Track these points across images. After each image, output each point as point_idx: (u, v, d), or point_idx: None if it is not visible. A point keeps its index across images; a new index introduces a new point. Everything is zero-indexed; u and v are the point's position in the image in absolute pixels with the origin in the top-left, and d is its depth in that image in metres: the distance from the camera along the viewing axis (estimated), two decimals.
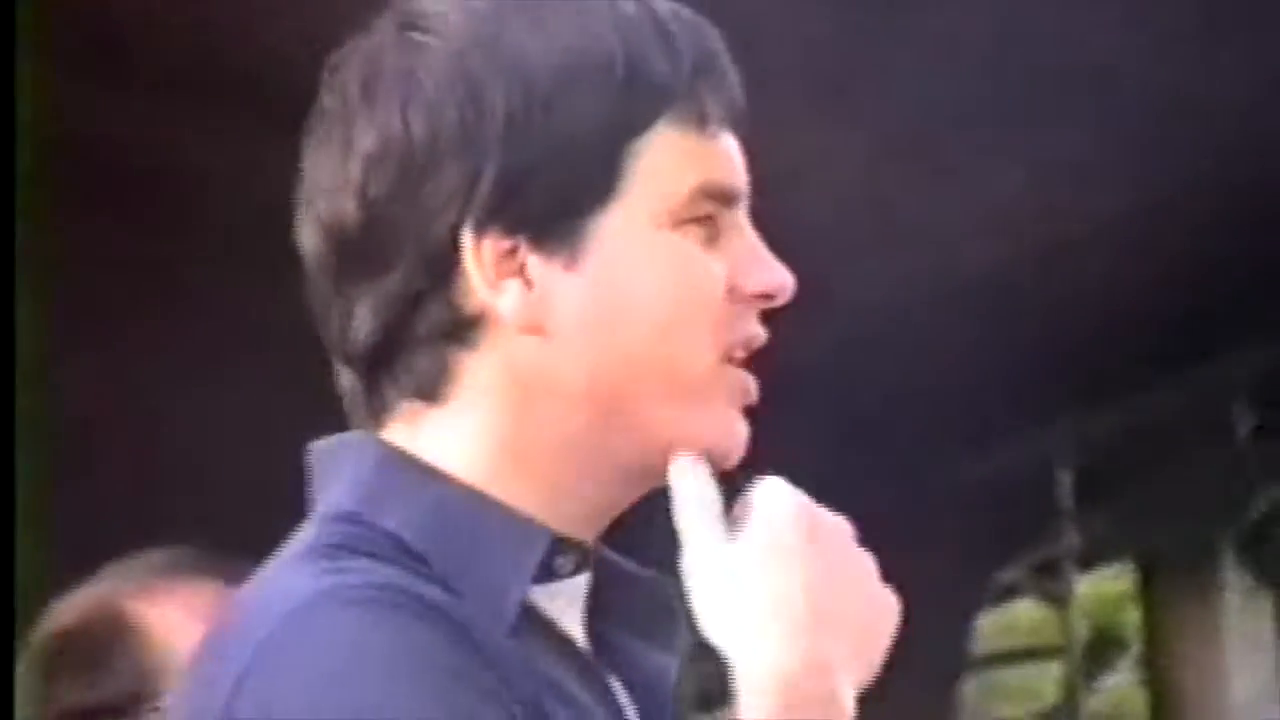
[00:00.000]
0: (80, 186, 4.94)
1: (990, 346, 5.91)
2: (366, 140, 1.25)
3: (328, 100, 1.30)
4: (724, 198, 1.30)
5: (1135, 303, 5.93)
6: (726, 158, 1.31)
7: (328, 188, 1.27)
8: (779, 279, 1.30)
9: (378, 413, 1.29)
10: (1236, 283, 5.95)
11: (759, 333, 1.31)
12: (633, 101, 1.26)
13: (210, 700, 1.15)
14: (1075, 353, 5.93)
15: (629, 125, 1.27)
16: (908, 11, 5.08)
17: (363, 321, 1.26)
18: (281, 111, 1.67)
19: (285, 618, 1.15)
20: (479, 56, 1.25)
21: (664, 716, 1.34)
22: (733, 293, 1.29)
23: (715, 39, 1.32)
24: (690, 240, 1.28)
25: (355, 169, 1.25)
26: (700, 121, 1.28)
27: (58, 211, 4.66)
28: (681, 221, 1.28)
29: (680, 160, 1.28)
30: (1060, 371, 6.14)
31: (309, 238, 1.30)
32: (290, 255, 1.32)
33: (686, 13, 1.32)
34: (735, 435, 1.30)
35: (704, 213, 1.29)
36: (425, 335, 1.26)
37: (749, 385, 1.31)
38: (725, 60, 1.32)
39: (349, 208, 1.26)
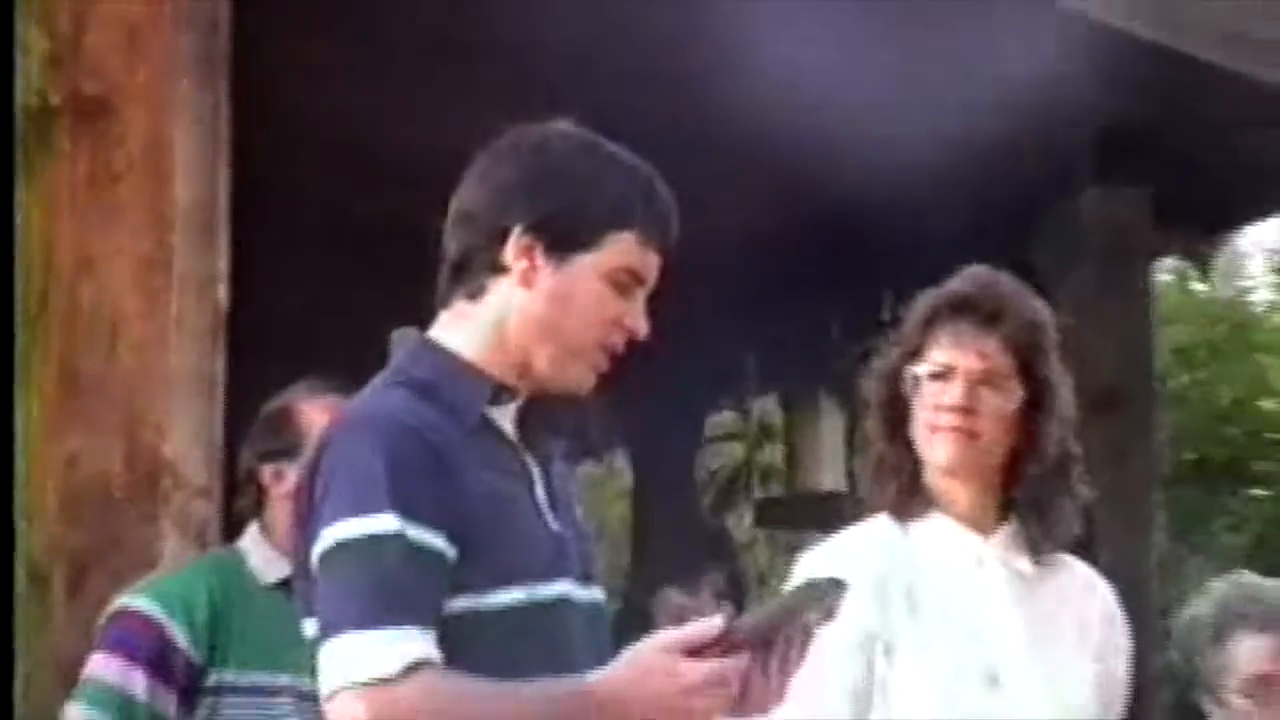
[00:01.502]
0: None
1: None
2: (488, 178, 2.55)
3: (480, 157, 2.56)
4: (637, 280, 2.53)
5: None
6: (650, 263, 2.54)
7: (466, 192, 2.55)
8: (640, 327, 2.54)
9: (444, 302, 2.55)
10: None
11: (620, 341, 2.53)
12: (624, 216, 2.50)
13: (315, 455, 2.45)
14: None
15: (616, 225, 2.50)
16: None
17: (454, 251, 2.53)
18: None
19: (347, 422, 2.46)
20: (540, 158, 2.55)
21: (563, 485, 2.62)
22: (616, 323, 2.52)
23: (669, 196, 2.57)
24: (611, 290, 2.52)
25: (478, 190, 2.54)
26: (645, 242, 2.52)
27: None
28: (612, 281, 2.52)
29: (627, 252, 2.51)
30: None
31: (452, 206, 2.56)
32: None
33: (656, 175, 2.57)
34: (585, 382, 2.54)
35: (624, 281, 2.52)
36: (479, 267, 2.51)
37: (603, 362, 2.53)
38: (672, 209, 2.56)
39: (470, 201, 2.54)
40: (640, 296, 2.61)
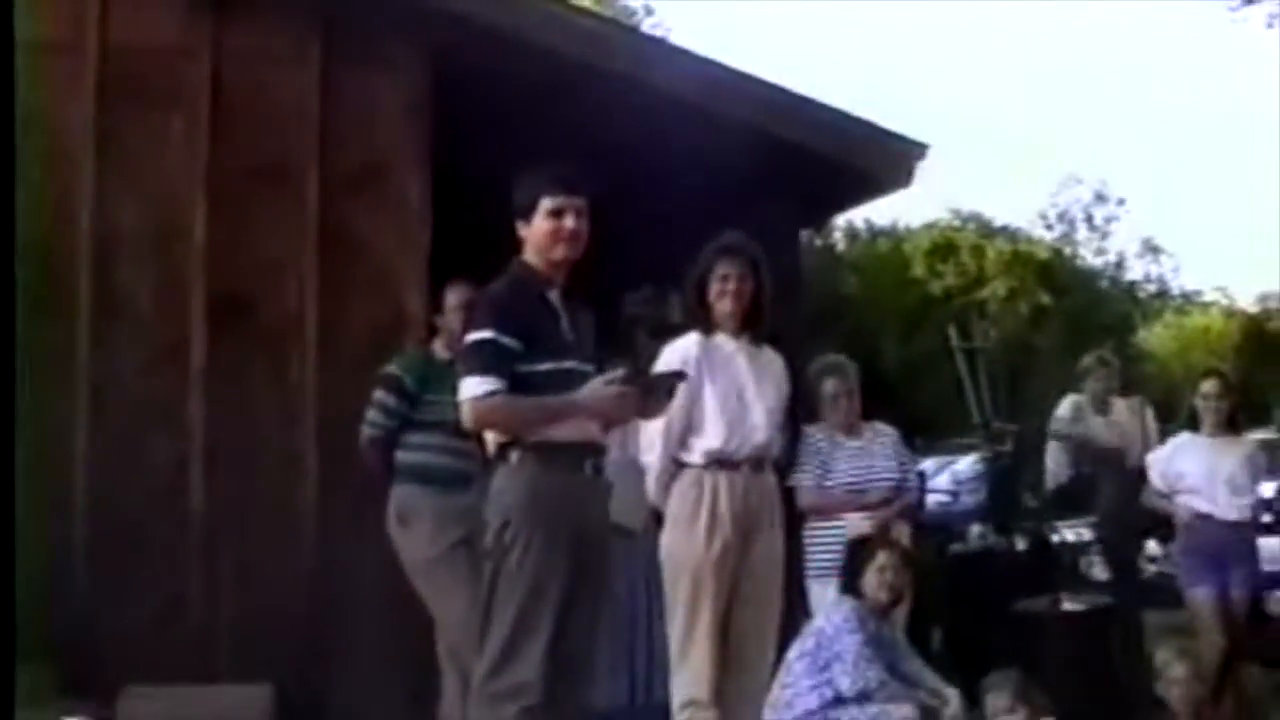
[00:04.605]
0: None
1: None
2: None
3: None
4: (560, 212, 5.57)
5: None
6: (563, 202, 5.59)
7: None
8: (567, 227, 5.57)
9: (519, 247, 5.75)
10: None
11: (566, 234, 5.56)
12: (541, 191, 5.61)
13: (473, 306, 6.08)
14: None
15: (538, 196, 5.60)
16: None
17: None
18: None
19: (483, 293, 5.78)
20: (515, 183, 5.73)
21: (583, 320, 5.71)
22: (559, 229, 5.55)
23: (568, 170, 5.69)
24: (549, 219, 5.57)
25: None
26: (555, 194, 5.60)
27: None
28: (549, 214, 5.57)
29: (550, 203, 5.59)
30: None
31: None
32: None
33: (561, 163, 5.73)
34: (567, 258, 5.61)
35: (555, 213, 5.56)
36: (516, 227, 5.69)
37: (565, 249, 5.58)
38: (569, 175, 5.65)
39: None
40: (569, 217, 5.53)
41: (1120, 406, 10.93)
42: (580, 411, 5.53)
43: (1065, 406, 10.87)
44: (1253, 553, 9.44)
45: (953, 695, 7.28)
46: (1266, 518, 10.04)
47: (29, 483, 6.30)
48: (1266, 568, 9.96)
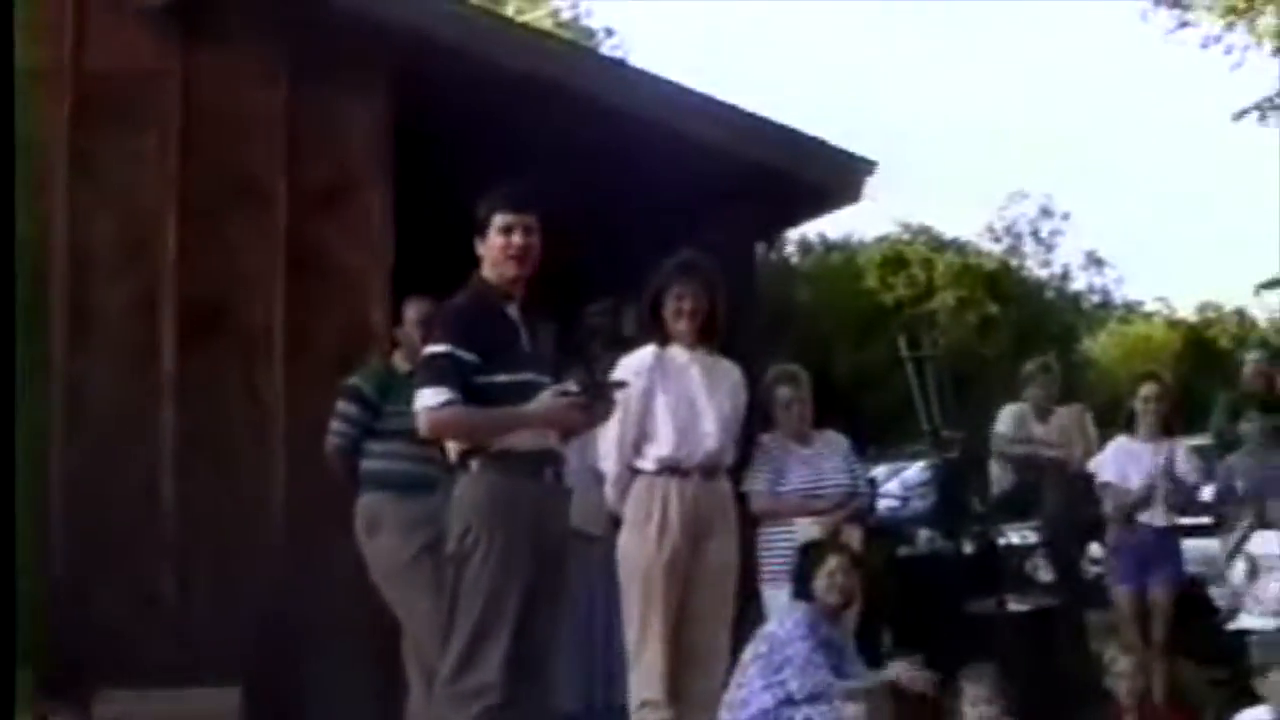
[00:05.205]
0: None
1: None
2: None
3: None
4: (510, 229, 5.84)
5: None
6: (513, 219, 5.85)
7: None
8: (516, 244, 5.84)
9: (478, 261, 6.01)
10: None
11: (516, 252, 5.83)
12: (492, 211, 5.89)
13: (432, 320, 6.67)
14: None
15: (491, 213, 5.88)
16: None
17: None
18: None
19: (442, 307, 6.07)
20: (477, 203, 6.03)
21: (542, 333, 5.98)
22: (509, 245, 5.82)
23: (517, 190, 5.98)
24: (501, 235, 5.83)
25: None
26: (506, 212, 5.86)
27: None
28: (500, 230, 5.84)
29: (501, 220, 5.87)
30: None
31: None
32: None
33: (510, 182, 6.03)
34: (516, 276, 5.87)
35: (505, 229, 5.83)
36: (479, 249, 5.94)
37: (517, 265, 5.85)
38: (518, 195, 5.92)
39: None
40: (518, 234, 5.77)
41: (1061, 413, 11.13)
42: (532, 422, 5.74)
43: (1006, 415, 11.09)
44: (1178, 552, 9.70)
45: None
46: (1202, 520, 10.28)
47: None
48: (1200, 568, 10.26)
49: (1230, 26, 17.51)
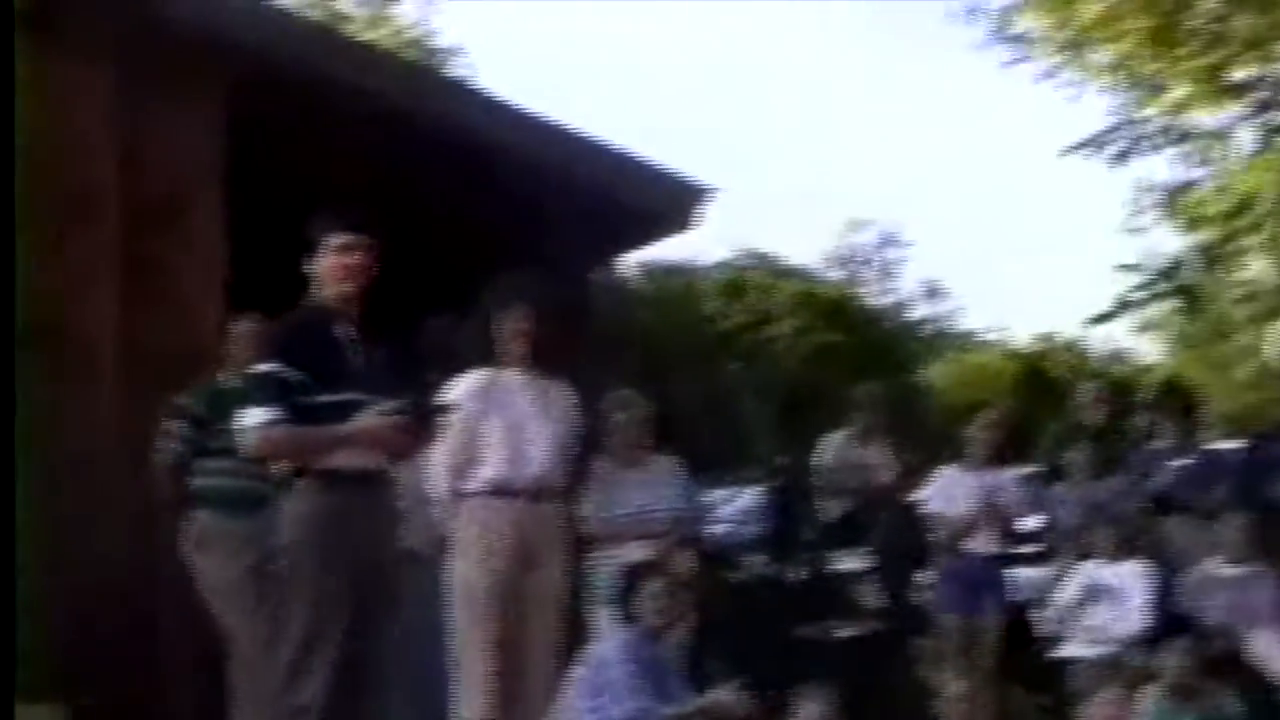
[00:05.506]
0: None
1: None
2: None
3: None
4: (342, 249, 5.85)
5: None
6: (349, 240, 5.88)
7: None
8: (351, 262, 5.85)
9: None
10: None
11: (350, 270, 5.84)
12: (328, 230, 5.88)
13: (265, 337, 6.56)
14: None
15: (325, 234, 5.88)
16: None
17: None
18: None
19: (275, 324, 6.19)
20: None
21: (379, 374, 5.88)
22: (342, 264, 5.83)
23: (351, 214, 5.97)
24: (334, 255, 5.85)
25: None
26: (341, 233, 5.86)
27: None
28: (334, 250, 5.91)
29: (335, 240, 5.88)
30: None
31: None
32: None
33: (351, 208, 6.01)
34: (350, 292, 5.89)
35: (341, 249, 5.85)
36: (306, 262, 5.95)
37: (351, 283, 5.87)
38: (351, 218, 5.92)
39: None
40: (351, 254, 5.77)
41: (888, 441, 11.28)
42: (355, 440, 5.75)
43: (829, 444, 11.20)
44: (1005, 580, 9.87)
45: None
46: (1028, 548, 10.43)
47: None
48: (1027, 596, 10.32)
49: (1064, 63, 17.76)
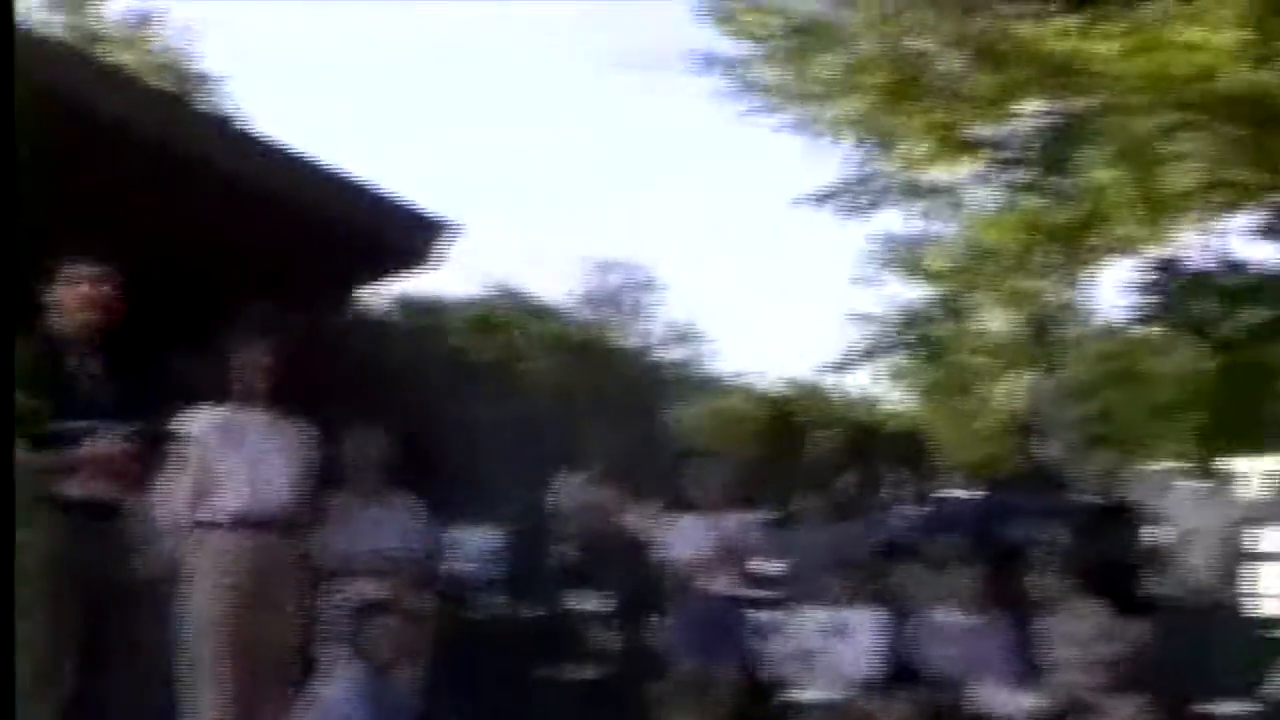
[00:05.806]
0: None
1: None
2: None
3: None
4: (80, 280, 6.23)
5: None
6: (81, 275, 6.24)
7: None
8: (87, 298, 6.21)
9: None
10: None
11: (86, 304, 6.20)
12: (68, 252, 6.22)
13: None
14: None
15: (71, 259, 6.24)
16: None
17: None
18: None
19: None
20: None
21: (117, 404, 6.11)
22: (74, 299, 6.32)
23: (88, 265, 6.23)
24: (69, 286, 6.19)
25: None
26: (71, 275, 6.28)
27: None
28: (69, 281, 6.19)
29: (66, 280, 6.26)
30: None
31: None
32: None
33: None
34: (89, 325, 6.19)
35: (77, 276, 6.26)
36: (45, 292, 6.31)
37: (91, 316, 6.16)
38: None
39: None
40: (88, 284, 6.00)
41: (626, 483, 11.36)
42: (79, 467, 5.81)
43: (564, 486, 11.28)
44: (741, 624, 9.92)
45: None
46: (766, 593, 10.55)
47: None
48: (763, 640, 10.41)
49: (802, 116, 17.96)
